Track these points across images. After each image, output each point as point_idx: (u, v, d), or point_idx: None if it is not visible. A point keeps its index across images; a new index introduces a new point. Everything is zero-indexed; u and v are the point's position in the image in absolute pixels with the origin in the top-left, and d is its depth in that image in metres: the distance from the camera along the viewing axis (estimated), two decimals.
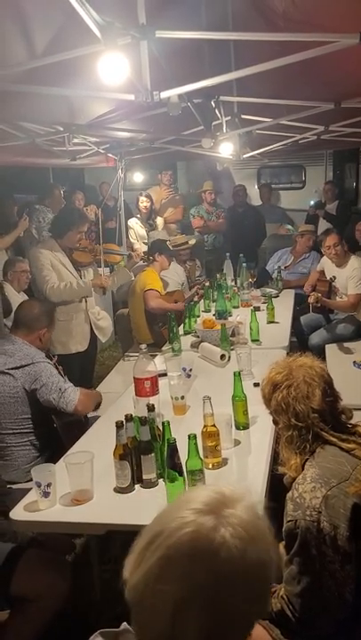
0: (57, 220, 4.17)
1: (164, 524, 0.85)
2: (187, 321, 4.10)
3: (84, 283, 3.90)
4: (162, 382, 2.64)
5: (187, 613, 0.79)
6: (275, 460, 2.25)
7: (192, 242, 5.80)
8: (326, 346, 4.51)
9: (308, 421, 1.67)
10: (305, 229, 6.05)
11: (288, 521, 1.55)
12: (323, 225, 6.69)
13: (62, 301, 3.82)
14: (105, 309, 4.52)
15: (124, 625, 0.94)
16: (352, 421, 3.01)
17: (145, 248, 5.81)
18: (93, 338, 4.12)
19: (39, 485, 1.94)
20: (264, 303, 4.42)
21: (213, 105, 3.53)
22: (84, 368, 4.13)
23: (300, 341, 5.06)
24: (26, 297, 4.44)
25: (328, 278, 4.89)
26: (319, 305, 4.65)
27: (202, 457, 2.00)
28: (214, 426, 2.11)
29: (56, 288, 3.76)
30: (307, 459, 1.66)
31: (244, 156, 5.23)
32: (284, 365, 1.77)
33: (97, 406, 2.86)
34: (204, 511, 0.84)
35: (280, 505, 1.62)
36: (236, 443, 2.28)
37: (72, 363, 3.76)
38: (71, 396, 2.69)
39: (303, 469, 1.65)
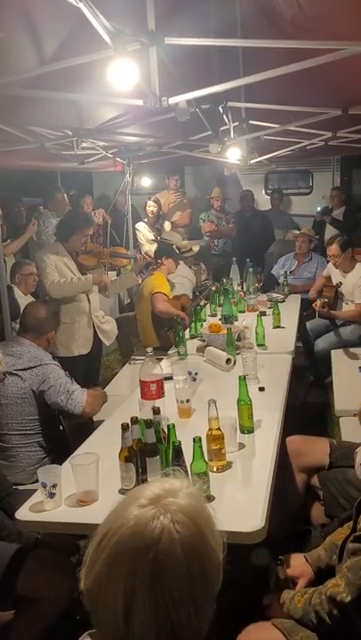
0: (62, 224, 4.20)
1: (110, 525, 0.85)
2: (193, 325, 4.11)
3: (86, 278, 3.91)
4: (167, 386, 2.65)
5: (137, 606, 0.79)
6: (279, 464, 2.26)
7: (196, 248, 5.81)
8: (332, 351, 4.50)
9: None
10: (300, 233, 6.09)
11: None
12: (329, 231, 6.69)
13: (64, 298, 3.82)
14: (111, 313, 4.54)
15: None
16: (357, 427, 2.99)
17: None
18: (97, 341, 4.12)
19: (45, 486, 1.95)
20: (270, 308, 4.42)
21: (221, 110, 3.56)
22: (89, 371, 4.14)
23: (305, 346, 5.05)
24: (33, 299, 4.47)
25: (334, 284, 4.90)
26: (326, 309, 4.65)
27: (207, 460, 2.01)
28: (219, 429, 2.11)
29: (56, 283, 3.78)
30: None
31: (252, 161, 5.24)
32: None
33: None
34: (144, 504, 0.85)
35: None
36: (241, 446, 2.28)
37: (76, 365, 3.77)
38: (79, 398, 2.71)
39: None
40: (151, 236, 6.56)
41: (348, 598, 1.52)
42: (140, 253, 5.28)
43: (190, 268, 5.74)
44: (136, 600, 0.79)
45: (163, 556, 0.80)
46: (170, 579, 0.80)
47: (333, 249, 4.64)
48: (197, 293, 5.17)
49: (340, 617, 1.54)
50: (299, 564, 1.92)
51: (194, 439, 1.94)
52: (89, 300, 4.00)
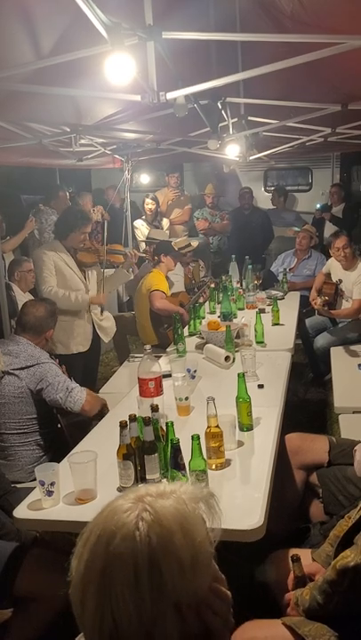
0: (60, 222, 4.18)
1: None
2: (192, 322, 4.10)
3: (83, 299, 3.90)
4: (166, 383, 2.64)
5: (88, 596, 0.79)
6: (278, 462, 2.26)
7: (195, 243, 5.81)
8: (331, 348, 4.49)
9: None
10: (302, 229, 6.08)
11: None
12: (329, 228, 6.68)
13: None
14: (109, 311, 4.52)
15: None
16: (356, 424, 2.99)
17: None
18: (96, 338, 4.11)
19: (43, 484, 1.95)
20: (269, 305, 4.41)
21: (220, 106, 3.54)
22: (88, 369, 4.13)
23: (305, 344, 5.04)
24: (32, 297, 4.45)
25: (334, 281, 4.88)
26: (326, 308, 4.63)
27: (205, 458, 2.00)
28: (218, 427, 2.10)
29: (53, 293, 3.75)
30: None
31: (251, 157, 5.22)
32: None
33: (101, 413, 2.85)
34: (129, 498, 0.84)
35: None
36: (240, 444, 2.27)
37: (74, 363, 3.76)
38: (78, 396, 2.70)
39: None
40: None
41: (356, 561, 1.52)
42: (133, 249, 5.27)
43: (189, 264, 5.72)
44: (88, 588, 0.79)
45: (114, 549, 0.78)
46: (116, 575, 0.78)
47: (343, 239, 4.58)
48: (196, 289, 5.16)
49: (348, 585, 1.53)
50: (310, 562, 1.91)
51: (192, 437, 1.93)
52: (87, 297, 3.98)
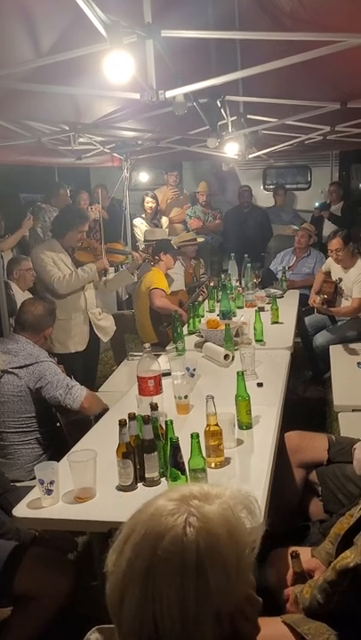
0: (57, 220, 4.17)
1: (140, 506, 0.86)
2: (191, 321, 4.10)
3: (90, 267, 3.90)
4: (165, 382, 2.64)
5: (129, 594, 0.78)
6: (277, 460, 2.26)
7: (200, 239, 5.82)
8: (331, 347, 4.49)
9: None
10: (301, 227, 6.08)
11: None
12: (328, 226, 6.68)
13: (66, 294, 3.81)
14: (109, 309, 4.52)
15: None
16: (355, 422, 2.99)
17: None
18: (95, 338, 4.10)
19: (42, 483, 1.94)
20: (268, 304, 4.41)
21: (219, 104, 3.53)
22: (87, 367, 4.12)
23: (304, 342, 5.04)
24: (31, 296, 4.44)
25: (334, 280, 4.88)
26: (325, 307, 4.63)
27: (205, 456, 2.00)
28: (217, 425, 2.10)
29: (63, 279, 3.77)
30: None
31: (250, 156, 5.23)
32: None
33: (102, 413, 2.84)
34: (172, 499, 0.83)
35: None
36: (239, 442, 2.27)
37: (73, 362, 3.75)
38: (78, 393, 2.70)
39: None
40: None
41: (356, 562, 1.52)
42: (137, 251, 5.27)
43: (191, 260, 5.72)
44: (130, 587, 0.79)
45: (162, 552, 0.78)
46: (161, 578, 0.78)
47: (336, 242, 4.60)
48: (196, 288, 5.16)
49: (348, 585, 1.53)
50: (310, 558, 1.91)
51: (192, 435, 1.92)
52: (85, 297, 3.98)
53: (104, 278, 4.27)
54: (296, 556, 1.81)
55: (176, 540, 0.78)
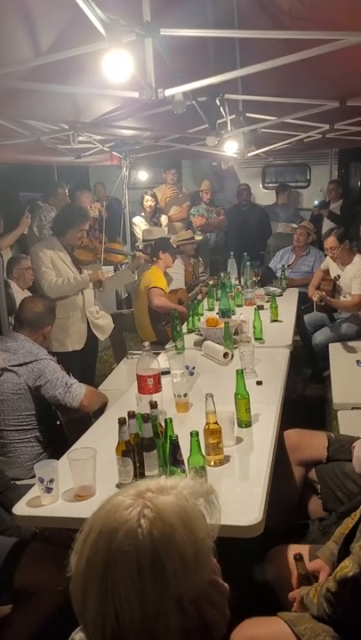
0: (58, 219, 4.17)
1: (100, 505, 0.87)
2: (190, 319, 4.10)
3: (82, 277, 3.90)
4: (165, 380, 2.65)
5: (90, 590, 0.79)
6: (277, 458, 2.26)
7: (198, 237, 5.82)
8: (330, 345, 4.50)
9: None
10: (299, 225, 6.11)
11: None
12: (327, 225, 6.68)
13: (61, 297, 3.81)
14: (108, 308, 4.52)
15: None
16: (355, 420, 3.00)
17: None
18: (92, 336, 4.10)
19: (42, 481, 1.95)
20: (268, 302, 4.42)
21: (218, 103, 3.54)
22: (85, 366, 4.12)
23: (303, 340, 5.05)
24: (30, 294, 4.45)
25: (332, 277, 4.89)
26: (323, 304, 4.64)
27: (204, 454, 2.00)
28: (217, 423, 2.11)
29: (54, 284, 3.76)
30: None
31: (249, 154, 5.23)
32: None
33: (102, 408, 2.85)
34: (129, 494, 0.84)
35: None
36: (239, 440, 2.28)
37: (71, 360, 3.75)
38: (77, 391, 2.71)
39: None
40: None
41: (354, 571, 1.53)
42: (139, 250, 5.27)
43: (190, 258, 5.72)
44: (90, 585, 0.79)
45: (117, 546, 0.79)
46: (119, 571, 0.78)
47: (331, 241, 4.63)
48: (195, 287, 5.17)
49: (351, 595, 1.53)
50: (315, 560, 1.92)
51: (191, 433, 1.93)
52: (83, 296, 3.98)
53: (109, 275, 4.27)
54: (300, 558, 1.81)
55: (130, 532, 0.79)
